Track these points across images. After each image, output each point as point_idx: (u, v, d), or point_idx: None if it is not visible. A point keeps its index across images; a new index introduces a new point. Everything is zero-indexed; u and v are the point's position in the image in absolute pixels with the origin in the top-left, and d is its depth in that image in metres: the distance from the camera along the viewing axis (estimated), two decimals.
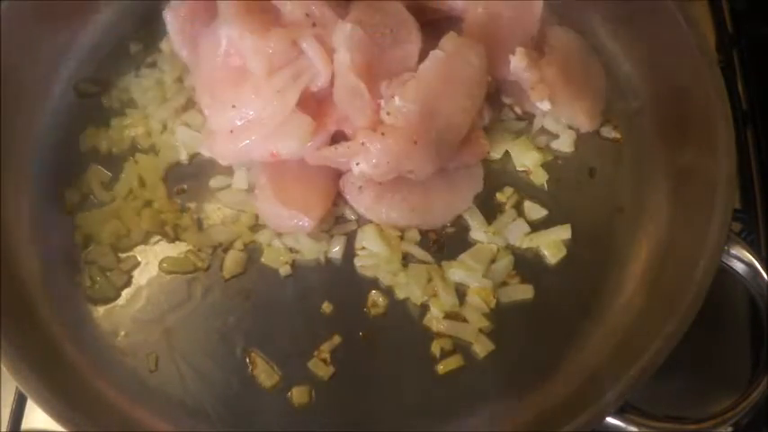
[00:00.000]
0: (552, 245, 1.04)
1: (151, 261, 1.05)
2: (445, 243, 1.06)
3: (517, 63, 1.08)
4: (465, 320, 1.00)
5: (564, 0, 1.20)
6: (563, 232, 1.05)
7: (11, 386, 0.98)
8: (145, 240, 1.07)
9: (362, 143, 0.98)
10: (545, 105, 1.09)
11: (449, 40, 1.02)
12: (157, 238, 1.07)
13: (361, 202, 1.05)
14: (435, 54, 1.00)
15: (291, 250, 1.05)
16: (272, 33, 0.98)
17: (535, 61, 1.09)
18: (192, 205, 1.09)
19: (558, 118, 1.13)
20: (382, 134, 0.97)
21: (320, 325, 1.00)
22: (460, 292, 1.02)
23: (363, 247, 1.05)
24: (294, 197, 1.03)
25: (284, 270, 1.04)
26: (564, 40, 1.17)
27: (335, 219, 1.08)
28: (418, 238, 1.06)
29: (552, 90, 1.09)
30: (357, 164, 0.99)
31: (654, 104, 1.14)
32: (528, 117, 1.15)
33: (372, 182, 1.03)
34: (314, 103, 1.02)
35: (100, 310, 1.02)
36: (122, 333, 1.01)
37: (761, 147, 1.19)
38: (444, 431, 0.94)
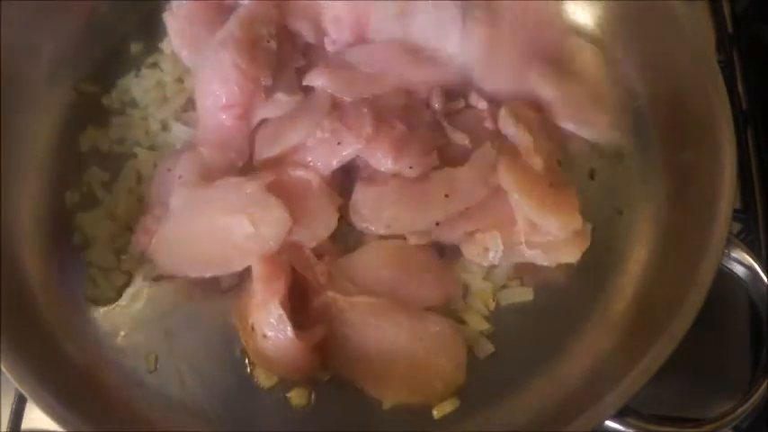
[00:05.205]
0: None
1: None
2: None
3: (506, 119, 1.06)
4: (465, 323, 0.99)
5: (564, 1, 1.20)
6: None
7: (11, 386, 0.98)
8: None
9: (338, 143, 1.00)
10: (537, 164, 1.04)
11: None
12: None
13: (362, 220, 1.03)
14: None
15: None
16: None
17: (558, 79, 1.09)
18: None
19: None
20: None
21: None
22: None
23: None
24: (295, 216, 0.99)
25: None
26: (584, 54, 1.16)
27: None
28: None
29: (577, 107, 1.09)
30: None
31: (654, 104, 1.13)
32: None
33: (371, 198, 1.02)
34: None
35: (100, 310, 1.02)
36: (122, 333, 1.01)
37: (761, 147, 1.19)
38: (444, 431, 0.94)
